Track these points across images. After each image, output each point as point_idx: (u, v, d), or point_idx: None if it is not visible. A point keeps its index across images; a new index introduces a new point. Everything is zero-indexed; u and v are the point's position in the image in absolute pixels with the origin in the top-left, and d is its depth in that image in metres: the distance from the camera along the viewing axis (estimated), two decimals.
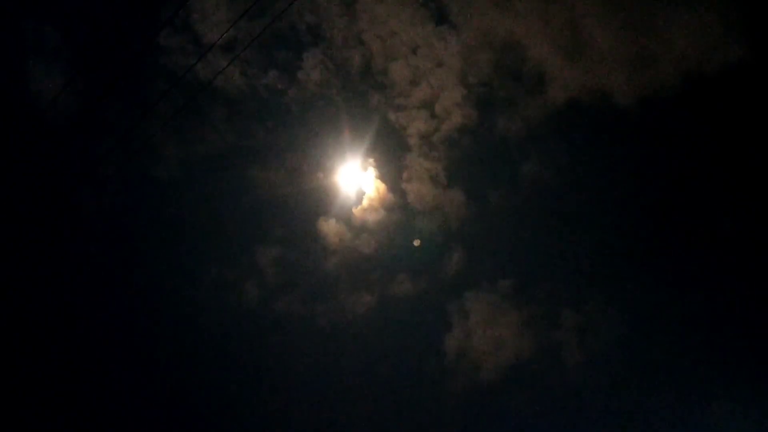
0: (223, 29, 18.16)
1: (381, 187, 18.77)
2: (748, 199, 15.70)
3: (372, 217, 18.59)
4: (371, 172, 18.91)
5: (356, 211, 18.71)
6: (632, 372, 16.57)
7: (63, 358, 17.86)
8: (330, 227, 18.66)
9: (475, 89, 18.59)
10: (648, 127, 16.66)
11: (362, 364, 18.28)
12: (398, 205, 18.65)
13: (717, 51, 15.45)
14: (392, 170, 18.86)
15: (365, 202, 18.73)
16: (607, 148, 17.29)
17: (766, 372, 15.03)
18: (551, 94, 17.63)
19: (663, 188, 16.78)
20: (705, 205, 16.23)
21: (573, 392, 16.87)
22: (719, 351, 15.65)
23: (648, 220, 17.03)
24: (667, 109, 16.14)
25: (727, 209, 16.00)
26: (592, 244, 17.44)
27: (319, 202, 18.82)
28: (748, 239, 15.61)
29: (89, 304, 18.41)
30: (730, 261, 15.83)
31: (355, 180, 18.88)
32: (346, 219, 18.69)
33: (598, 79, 16.96)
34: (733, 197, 15.95)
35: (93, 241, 18.78)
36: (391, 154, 18.91)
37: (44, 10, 18.07)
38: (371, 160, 18.93)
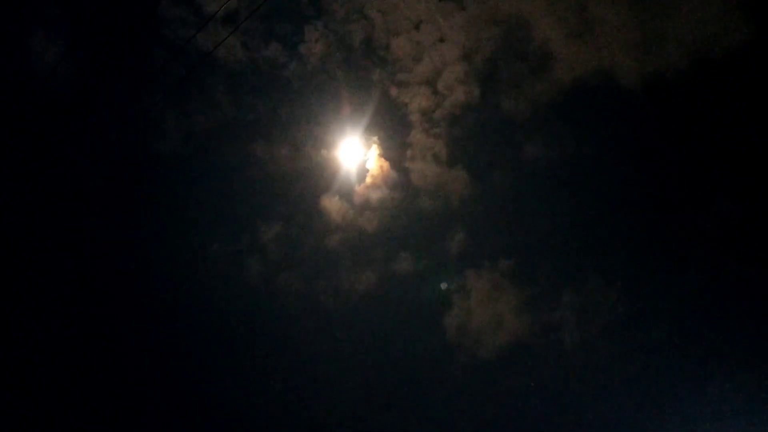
0: (223, 0, 17.83)
1: (384, 165, 18.72)
2: (751, 182, 15.80)
3: (375, 195, 18.56)
4: (374, 150, 18.85)
5: (359, 188, 18.68)
6: (631, 352, 16.78)
7: (63, 334, 17.83)
8: (333, 204, 18.61)
9: (478, 67, 18.49)
10: (653, 108, 16.68)
11: (363, 341, 18.41)
12: (401, 183, 18.63)
13: (725, 33, 15.42)
14: (395, 148, 18.82)
15: (368, 180, 18.69)
16: (612, 129, 17.27)
17: (764, 351, 15.27)
18: (556, 74, 17.58)
19: (666, 170, 16.83)
20: (707, 188, 16.33)
21: (572, 372, 17.08)
22: (718, 331, 15.86)
23: (649, 202, 17.12)
24: (673, 91, 16.14)
25: (729, 192, 16.11)
26: (592, 224, 17.51)
27: (323, 179, 18.77)
28: (750, 221, 15.74)
29: (88, 280, 18.32)
30: (730, 242, 15.97)
31: (358, 157, 18.85)
32: (349, 196, 18.68)
33: (604, 59, 16.94)
34: (736, 180, 16.05)
35: (92, 215, 18.61)
36: (394, 131, 18.85)
37: None
38: (375, 138, 18.86)
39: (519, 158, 18.21)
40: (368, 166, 18.77)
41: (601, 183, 17.42)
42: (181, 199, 18.88)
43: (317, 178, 18.76)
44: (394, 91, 18.81)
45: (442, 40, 18.73)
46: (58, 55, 17.16)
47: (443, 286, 18.33)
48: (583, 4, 16.92)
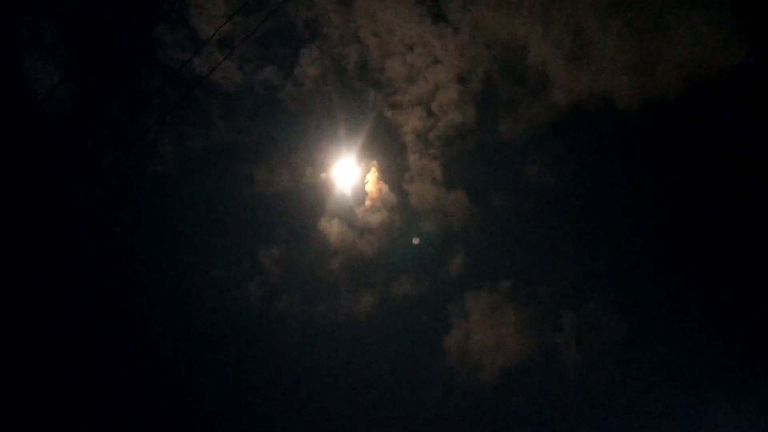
0: (219, 24, 17.84)
1: (383, 187, 18.71)
2: (749, 202, 15.96)
3: (374, 218, 18.52)
4: (373, 173, 18.83)
5: (358, 211, 18.64)
6: (632, 373, 16.80)
7: (59, 358, 17.46)
8: (332, 227, 18.54)
9: (473, 88, 18.58)
10: (650, 130, 16.84)
11: (362, 363, 18.24)
12: (400, 205, 18.62)
13: (720, 54, 15.62)
14: (394, 170, 18.83)
15: (367, 203, 18.66)
16: (609, 150, 17.41)
17: (765, 372, 15.31)
18: (552, 96, 17.70)
19: (664, 190, 16.95)
20: (706, 208, 16.44)
21: (573, 393, 17.03)
22: (719, 351, 15.91)
23: (648, 222, 17.23)
24: (670, 113, 16.31)
25: (728, 211, 16.23)
26: (592, 245, 17.59)
27: (322, 201, 18.72)
28: (749, 241, 15.86)
29: (83, 302, 18.00)
30: (730, 262, 16.07)
31: (357, 180, 18.82)
32: (348, 219, 18.62)
33: (600, 82, 17.09)
34: (734, 200, 16.20)
35: (87, 237, 18.35)
36: (392, 153, 18.87)
37: (41, 3, 17.60)
38: (374, 162, 18.86)
39: (517, 180, 18.33)
40: (367, 188, 18.77)
41: (600, 204, 17.52)
42: (178, 222, 18.70)
43: (316, 200, 18.75)
44: (390, 113, 18.90)
45: (436, 62, 18.83)
46: (54, 77, 17.04)
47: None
48: (579, 26, 17.12)
